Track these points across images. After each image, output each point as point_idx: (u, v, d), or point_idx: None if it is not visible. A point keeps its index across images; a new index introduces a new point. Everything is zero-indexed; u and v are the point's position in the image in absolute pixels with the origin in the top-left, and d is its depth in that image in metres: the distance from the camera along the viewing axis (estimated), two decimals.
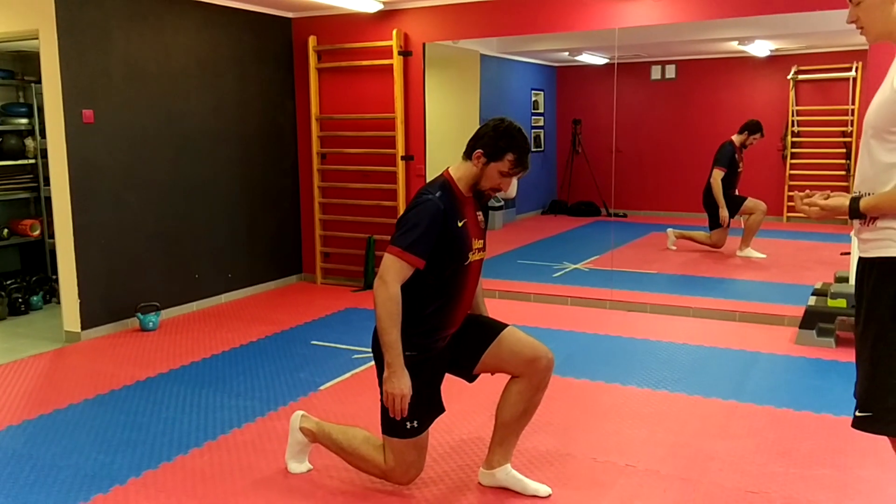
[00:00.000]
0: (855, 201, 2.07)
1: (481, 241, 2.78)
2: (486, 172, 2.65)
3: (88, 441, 3.39)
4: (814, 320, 4.63)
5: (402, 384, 2.56)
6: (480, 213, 2.81)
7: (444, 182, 2.70)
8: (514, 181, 2.73)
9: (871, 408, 2.07)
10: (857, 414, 2.11)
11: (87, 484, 2.98)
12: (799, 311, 4.77)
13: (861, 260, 2.13)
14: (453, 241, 2.63)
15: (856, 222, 2.12)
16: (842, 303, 4.52)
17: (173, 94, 5.56)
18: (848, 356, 4.34)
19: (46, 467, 3.13)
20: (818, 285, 5.02)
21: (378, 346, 2.69)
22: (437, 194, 2.61)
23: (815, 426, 3.43)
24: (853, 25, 2.14)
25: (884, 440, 2.15)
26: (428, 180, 2.79)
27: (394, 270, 2.55)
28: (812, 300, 4.78)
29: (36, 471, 3.10)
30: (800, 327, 4.68)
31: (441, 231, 2.58)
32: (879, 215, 2.03)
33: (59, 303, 5.31)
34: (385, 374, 2.57)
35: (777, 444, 3.25)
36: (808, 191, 2.24)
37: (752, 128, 6.85)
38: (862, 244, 2.11)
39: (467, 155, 2.69)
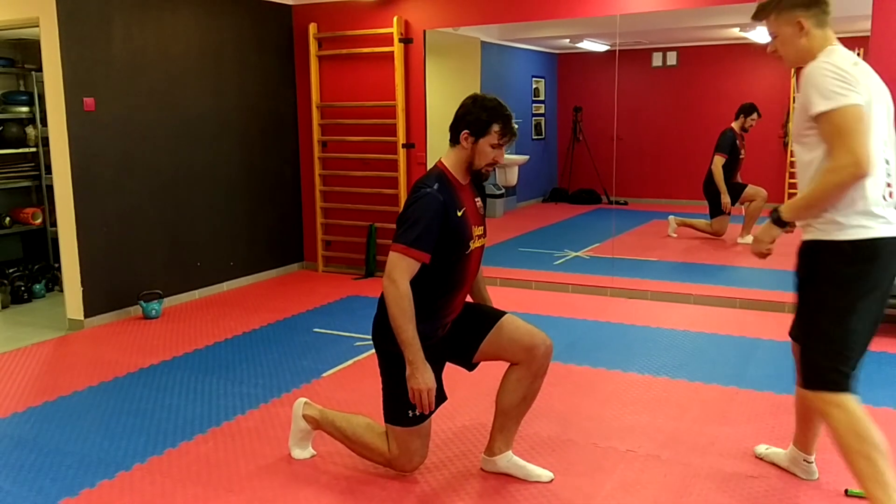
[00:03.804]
0: (775, 212, 2.36)
1: (481, 228, 2.78)
2: (477, 150, 2.65)
3: (93, 428, 3.42)
4: None
5: (425, 379, 2.56)
6: (479, 198, 2.82)
7: (440, 173, 2.69)
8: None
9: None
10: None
11: (93, 470, 3.00)
12: None
13: (804, 242, 2.41)
14: (454, 231, 2.63)
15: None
16: None
17: (174, 82, 5.56)
18: None
19: (52, 454, 3.15)
20: None
21: (378, 335, 2.72)
22: (435, 186, 2.61)
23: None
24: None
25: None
26: (429, 168, 2.80)
27: (401, 268, 2.55)
28: None
29: (41, 457, 3.12)
30: None
31: (442, 223, 2.59)
32: (802, 219, 2.30)
33: (61, 291, 5.33)
34: (408, 372, 2.57)
35: (777, 430, 3.27)
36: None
37: (747, 110, 6.87)
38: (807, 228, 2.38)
39: (454, 140, 2.69)
